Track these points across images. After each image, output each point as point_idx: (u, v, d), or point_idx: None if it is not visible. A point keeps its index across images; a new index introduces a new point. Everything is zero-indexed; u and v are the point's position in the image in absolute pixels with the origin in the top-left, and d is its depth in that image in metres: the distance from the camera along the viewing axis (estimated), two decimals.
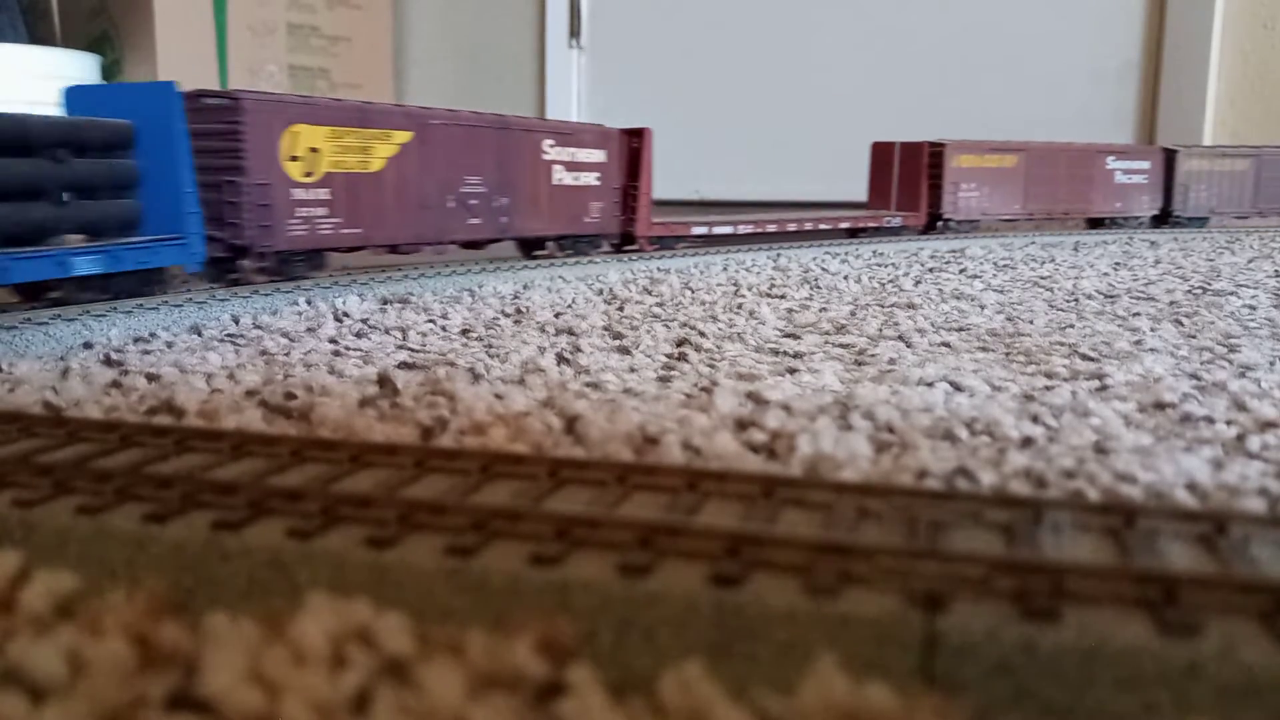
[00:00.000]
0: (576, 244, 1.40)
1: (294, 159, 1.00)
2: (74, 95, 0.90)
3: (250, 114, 0.96)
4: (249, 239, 0.96)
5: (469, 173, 1.21)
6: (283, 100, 1.01)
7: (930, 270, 1.35)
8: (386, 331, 0.84)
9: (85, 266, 0.81)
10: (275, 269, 1.01)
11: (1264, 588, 0.30)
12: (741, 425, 0.53)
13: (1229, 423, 0.54)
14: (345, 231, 1.06)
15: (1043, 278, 1.26)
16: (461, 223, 1.21)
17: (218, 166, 0.95)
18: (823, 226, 1.76)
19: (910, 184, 1.87)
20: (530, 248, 1.38)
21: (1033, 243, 1.81)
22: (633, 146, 1.48)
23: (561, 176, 1.35)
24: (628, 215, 1.47)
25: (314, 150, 1.01)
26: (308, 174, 1.02)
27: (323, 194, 1.03)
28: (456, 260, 1.24)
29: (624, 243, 1.49)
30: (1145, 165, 2.11)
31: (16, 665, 0.30)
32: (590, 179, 1.40)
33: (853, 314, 0.96)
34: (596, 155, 1.42)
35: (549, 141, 1.33)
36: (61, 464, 0.41)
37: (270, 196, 0.98)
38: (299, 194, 1.01)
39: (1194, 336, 0.82)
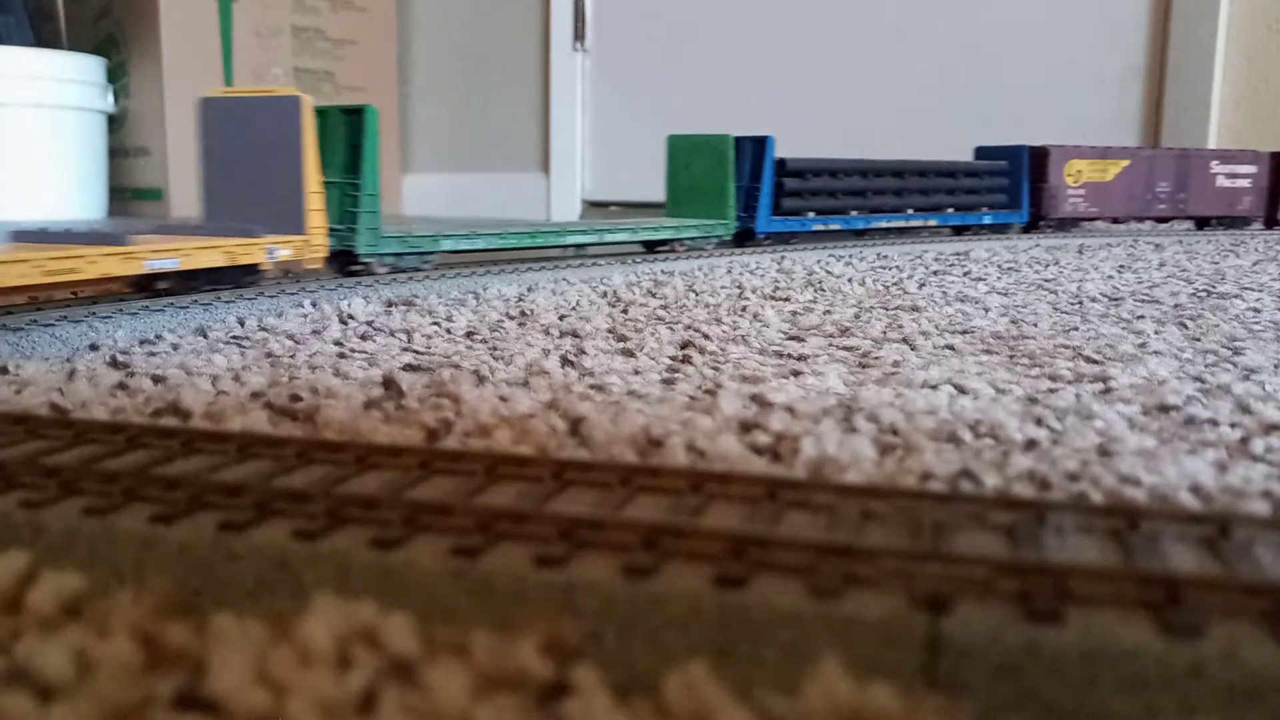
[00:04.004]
0: (1232, 222, 2.26)
1: (1069, 175, 2.06)
2: (980, 152, 2.03)
3: (1053, 155, 2.03)
4: (1045, 212, 2.05)
5: (1161, 180, 2.17)
6: (1065, 148, 2.05)
7: (935, 273, 1.35)
8: (391, 334, 0.84)
9: (987, 219, 1.96)
10: (1057, 227, 2.07)
11: (1267, 590, 0.30)
12: (745, 427, 0.53)
13: (1233, 425, 0.54)
14: (1090, 209, 2.10)
15: (1047, 280, 1.26)
16: (1154, 207, 2.17)
17: (1034, 178, 2.02)
18: None
19: None
20: (1201, 224, 2.27)
21: (1037, 245, 1.81)
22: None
23: (1221, 181, 2.22)
24: (1271, 207, 2.28)
25: (1079, 171, 2.07)
26: (1075, 183, 2.07)
27: (1081, 191, 2.09)
28: (460, 263, 1.25)
29: (1268, 224, 2.30)
30: None
31: (24, 665, 0.30)
32: (1244, 183, 2.25)
33: (857, 317, 0.96)
34: (1249, 169, 2.25)
35: (1215, 162, 2.20)
36: (68, 465, 0.42)
37: (1058, 193, 2.06)
38: (1069, 192, 2.07)
39: (1198, 339, 0.82)
